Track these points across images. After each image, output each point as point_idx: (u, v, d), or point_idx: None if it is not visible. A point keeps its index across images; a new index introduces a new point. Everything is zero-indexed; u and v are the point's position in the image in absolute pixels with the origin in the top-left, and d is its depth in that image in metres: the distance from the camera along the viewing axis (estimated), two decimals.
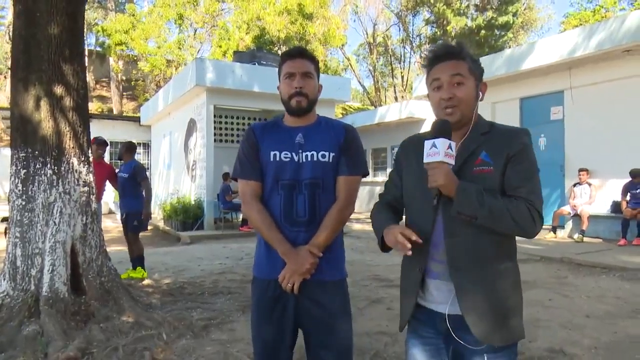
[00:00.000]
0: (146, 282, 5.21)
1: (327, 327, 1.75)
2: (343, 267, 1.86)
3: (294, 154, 1.77)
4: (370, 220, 1.70)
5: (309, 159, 1.76)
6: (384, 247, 1.52)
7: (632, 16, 7.54)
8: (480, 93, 1.51)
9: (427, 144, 1.37)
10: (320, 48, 20.76)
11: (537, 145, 9.78)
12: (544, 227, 9.24)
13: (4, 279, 3.59)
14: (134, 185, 5.84)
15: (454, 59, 1.46)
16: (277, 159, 1.77)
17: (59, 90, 3.63)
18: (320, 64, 18.39)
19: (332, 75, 18.13)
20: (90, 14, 25.28)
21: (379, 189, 16.15)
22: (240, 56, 13.53)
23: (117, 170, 6.17)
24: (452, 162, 1.37)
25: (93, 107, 26.70)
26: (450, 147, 1.36)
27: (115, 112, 25.07)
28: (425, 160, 1.37)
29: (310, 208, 1.75)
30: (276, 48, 19.65)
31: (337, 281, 1.81)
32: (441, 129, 1.39)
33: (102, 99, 28.89)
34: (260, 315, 1.79)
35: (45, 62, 3.60)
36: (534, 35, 28.53)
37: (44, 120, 3.59)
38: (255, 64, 11.97)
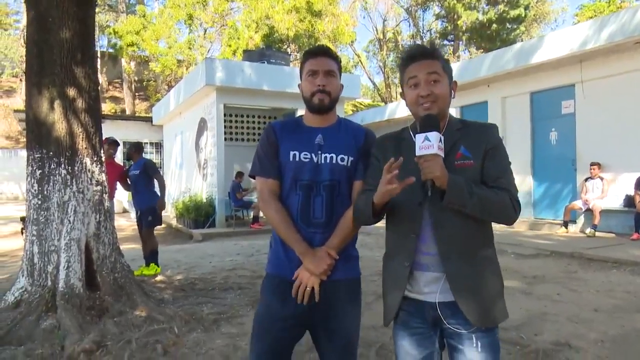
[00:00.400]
0: (159, 278, 5.33)
1: (336, 322, 1.76)
2: (357, 266, 1.86)
3: (313, 154, 1.77)
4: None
5: (328, 160, 1.77)
6: (374, 214, 1.53)
7: None
8: (452, 91, 1.59)
9: (420, 137, 1.41)
10: (330, 45, 20.79)
11: (548, 139, 9.72)
12: (553, 221, 9.20)
13: (22, 276, 3.73)
14: (146, 182, 6.00)
15: (429, 59, 1.54)
16: (297, 159, 1.76)
17: (71, 92, 3.75)
18: None
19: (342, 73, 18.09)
20: (102, 17, 25.65)
21: None
22: (249, 55, 13.62)
23: (126, 170, 6.32)
24: (443, 154, 1.42)
25: (106, 108, 27.10)
26: (440, 140, 1.42)
27: (128, 112, 25.41)
28: (418, 154, 1.40)
29: (328, 210, 1.75)
30: (285, 46, 19.72)
31: (351, 280, 1.80)
32: (431, 123, 1.44)
33: (115, 99, 29.29)
34: (272, 311, 1.77)
35: (57, 66, 3.71)
36: (548, 28, 28.23)
37: (58, 122, 3.70)
38: (264, 62, 12.05)
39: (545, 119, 9.77)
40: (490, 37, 26.23)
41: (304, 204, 1.76)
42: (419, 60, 1.54)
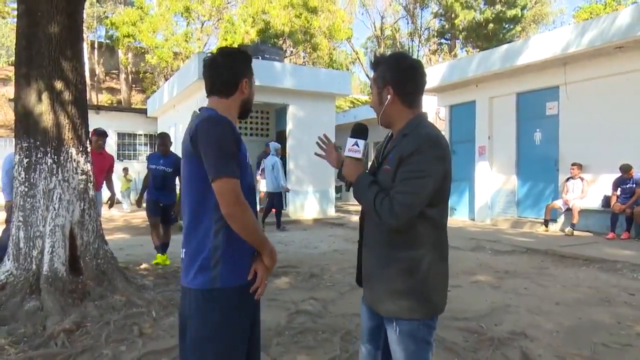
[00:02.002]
0: (143, 265, 5.51)
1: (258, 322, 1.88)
2: None
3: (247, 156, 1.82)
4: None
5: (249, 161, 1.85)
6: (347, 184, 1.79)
7: (623, 14, 7.63)
8: (388, 96, 1.71)
9: (350, 141, 1.72)
10: (325, 42, 20.90)
11: (533, 139, 9.92)
12: (536, 220, 9.41)
13: (8, 259, 3.90)
14: (175, 179, 6.10)
15: (373, 70, 1.77)
16: (248, 159, 1.77)
17: (58, 85, 3.91)
18: (325, 58, 18.35)
19: (332, 69, 18.23)
20: (100, 8, 25.65)
21: None
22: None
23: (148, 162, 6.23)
24: (357, 155, 1.69)
25: (103, 98, 27.16)
26: (356, 144, 1.69)
27: (124, 103, 25.49)
28: (347, 154, 1.72)
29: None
30: (281, 42, 19.83)
31: None
32: (354, 130, 1.74)
33: (111, 90, 29.32)
34: (246, 325, 1.73)
35: (46, 59, 3.87)
36: (546, 29, 28.38)
37: (45, 113, 3.87)
38: (259, 57, 12.18)
39: (530, 119, 9.97)
40: (487, 36, 26.40)
41: (254, 207, 1.77)
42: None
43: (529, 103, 10.02)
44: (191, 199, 1.68)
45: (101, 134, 5.81)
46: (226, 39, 18.61)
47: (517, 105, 10.22)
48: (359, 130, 1.73)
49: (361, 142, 1.68)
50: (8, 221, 5.50)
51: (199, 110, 1.79)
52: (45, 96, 3.87)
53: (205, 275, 1.64)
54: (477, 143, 11.03)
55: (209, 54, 1.85)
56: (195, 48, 20.72)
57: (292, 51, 21.93)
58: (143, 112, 18.04)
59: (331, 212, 12.48)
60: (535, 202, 9.88)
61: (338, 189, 18.48)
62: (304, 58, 24.08)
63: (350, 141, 1.69)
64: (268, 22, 18.79)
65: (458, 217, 11.68)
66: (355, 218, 11.89)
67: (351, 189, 1.72)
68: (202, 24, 22.22)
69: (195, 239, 1.66)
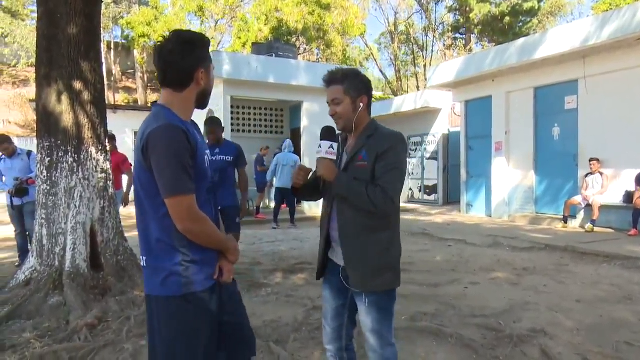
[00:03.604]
0: None
1: (240, 311, 1.85)
2: None
3: (208, 152, 1.76)
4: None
5: (216, 157, 1.86)
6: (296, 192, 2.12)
7: None
8: (361, 104, 2.00)
9: (325, 144, 1.94)
10: (339, 38, 20.84)
11: (551, 135, 9.77)
12: (554, 216, 9.28)
13: (32, 256, 4.00)
14: (234, 172, 4.80)
15: (334, 84, 2.00)
16: (206, 163, 1.68)
17: (78, 85, 3.98)
18: (339, 54, 18.27)
19: (347, 66, 18.15)
20: (115, 8, 25.96)
21: None
22: (258, 48, 13.80)
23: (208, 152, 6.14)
24: (333, 157, 1.95)
25: (119, 98, 27.52)
26: (332, 147, 1.94)
27: (140, 102, 25.79)
28: (325, 156, 1.95)
29: (215, 208, 1.86)
30: (294, 39, 19.84)
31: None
32: (325, 134, 1.98)
33: (128, 90, 29.70)
34: (209, 335, 1.66)
35: (65, 60, 3.94)
36: (563, 21, 27.84)
37: (65, 112, 3.94)
38: (272, 55, 12.23)
39: (549, 114, 9.82)
40: (503, 30, 26.02)
41: (212, 207, 1.75)
42: (329, 86, 2.02)
43: (547, 97, 9.87)
44: (143, 210, 1.62)
45: (111, 138, 5.85)
46: (239, 37, 18.69)
47: (534, 99, 10.07)
48: (331, 133, 1.98)
49: (335, 145, 1.94)
50: None
51: (151, 104, 1.72)
52: (65, 96, 3.94)
53: (177, 282, 1.59)
54: (494, 139, 10.90)
55: (160, 40, 1.68)
56: (210, 47, 20.79)
57: (305, 48, 21.92)
58: None
59: None
60: (554, 198, 9.74)
61: None
62: (317, 55, 24.05)
63: (326, 144, 1.93)
64: (281, 19, 18.81)
65: (475, 214, 11.57)
66: None
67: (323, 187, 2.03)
68: (216, 23, 22.36)
69: (157, 247, 1.60)
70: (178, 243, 1.59)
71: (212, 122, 4.69)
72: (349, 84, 1.99)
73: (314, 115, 11.98)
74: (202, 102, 1.72)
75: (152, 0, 22.61)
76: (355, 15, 20.92)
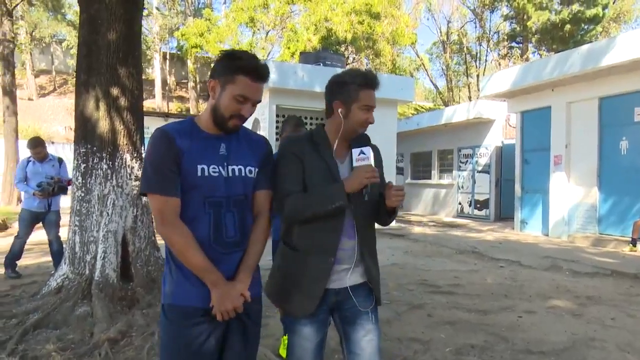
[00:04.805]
0: None
1: (246, 345, 1.68)
2: (260, 282, 1.76)
3: (221, 168, 1.60)
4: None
5: (237, 173, 1.63)
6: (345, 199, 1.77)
7: None
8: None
9: (356, 151, 1.76)
10: (388, 47, 20.48)
11: (618, 148, 8.95)
12: (621, 238, 8.45)
13: (65, 263, 3.96)
14: None
15: (377, 89, 1.85)
16: (206, 173, 1.57)
17: (115, 91, 3.93)
18: (388, 64, 17.94)
19: (395, 75, 17.75)
20: (172, 20, 26.99)
21: (443, 192, 15.64)
22: (306, 57, 13.72)
23: None
24: (369, 162, 1.76)
25: (173, 107, 28.52)
26: (362, 152, 1.77)
27: (191, 111, 26.55)
28: (356, 164, 1.75)
29: (240, 226, 1.64)
30: (343, 48, 19.69)
31: (256, 298, 1.69)
32: (364, 140, 1.85)
33: (181, 99, 30.72)
34: (182, 350, 1.57)
35: (104, 66, 3.90)
36: (628, 28, 26.09)
37: (102, 119, 3.89)
38: (320, 64, 12.10)
39: (615, 126, 9.01)
40: (562, 38, 24.69)
41: (216, 223, 1.59)
42: (375, 89, 1.83)
43: (613, 108, 9.06)
44: None
45: None
46: (289, 47, 18.79)
47: (599, 110, 9.28)
48: (362, 139, 1.84)
49: (367, 149, 1.76)
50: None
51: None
52: (102, 103, 3.90)
53: (163, 290, 1.64)
54: (553, 152, 10.16)
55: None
56: (259, 57, 21.10)
57: (354, 58, 21.73)
58: None
59: (392, 222, 12.03)
60: (621, 218, 8.88)
61: None
62: (367, 65, 23.81)
63: (355, 151, 1.77)
64: (330, 29, 18.72)
65: (530, 232, 10.82)
66: (418, 229, 11.39)
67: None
68: (267, 33, 22.65)
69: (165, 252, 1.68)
70: (168, 253, 1.63)
71: (292, 123, 3.69)
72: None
73: None
74: (214, 119, 1.61)
75: (206, 12, 23.26)
76: (406, 24, 20.51)
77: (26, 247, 5.85)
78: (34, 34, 24.95)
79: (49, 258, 5.79)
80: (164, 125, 1.59)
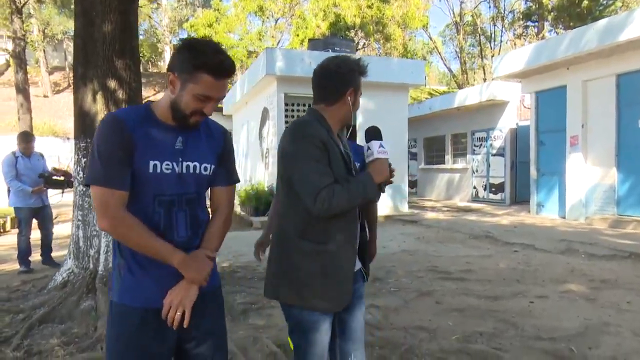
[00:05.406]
0: None
1: (208, 341, 1.59)
2: (217, 273, 1.67)
3: (175, 164, 1.49)
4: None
5: (192, 170, 1.53)
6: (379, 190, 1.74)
7: None
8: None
9: (376, 144, 1.73)
10: (399, 31, 20.13)
11: (637, 127, 8.64)
12: None
13: (70, 258, 3.97)
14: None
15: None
16: (158, 170, 1.47)
17: (112, 84, 3.89)
18: (400, 48, 17.61)
19: (404, 59, 17.42)
20: (181, 11, 26.97)
21: (458, 177, 15.41)
22: (314, 44, 13.55)
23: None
24: (386, 156, 1.75)
25: None
26: (382, 145, 1.75)
27: None
28: (378, 156, 1.72)
29: (193, 225, 1.55)
30: (352, 34, 19.41)
31: (215, 289, 1.64)
32: (372, 134, 1.78)
33: None
34: (146, 350, 1.48)
35: (100, 59, 3.86)
36: None
37: (100, 112, 3.86)
38: (329, 51, 11.92)
39: (634, 104, 8.68)
40: (580, 15, 23.90)
41: (166, 222, 1.49)
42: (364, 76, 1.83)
43: (632, 85, 8.73)
44: None
45: None
46: (297, 35, 18.60)
47: (617, 88, 8.95)
48: (377, 133, 1.79)
49: (385, 144, 1.75)
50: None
51: None
52: (99, 96, 3.87)
53: (112, 287, 1.55)
54: (569, 133, 9.87)
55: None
56: (269, 45, 21.00)
57: (364, 43, 21.43)
58: (219, 110, 18.59)
59: (404, 208, 11.91)
60: None
61: (413, 183, 17.78)
62: (378, 49, 23.45)
63: (375, 144, 1.73)
64: (339, 14, 18.46)
65: (546, 215, 10.59)
66: (432, 215, 11.25)
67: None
68: (276, 22, 22.48)
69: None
70: (118, 245, 1.52)
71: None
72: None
73: (370, 111, 11.53)
74: (173, 113, 1.49)
75: (215, 2, 23.16)
76: (417, 6, 20.09)
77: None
78: (46, 31, 25.18)
79: (64, 252, 5.87)
80: (117, 110, 1.50)
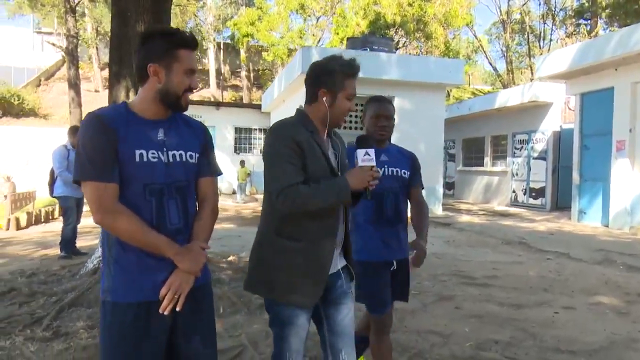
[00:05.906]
0: (231, 257, 5.60)
1: (199, 337, 1.63)
2: (208, 269, 1.69)
3: (160, 153, 1.55)
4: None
5: (178, 159, 1.58)
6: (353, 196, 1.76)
7: None
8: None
9: (361, 152, 1.76)
10: (440, 29, 19.73)
11: None
12: None
13: (100, 245, 4.18)
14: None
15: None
16: (145, 159, 1.52)
17: None
18: (441, 46, 17.26)
19: (442, 58, 17.02)
20: (226, 10, 27.53)
21: (496, 180, 14.99)
22: (353, 42, 13.52)
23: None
24: (370, 164, 1.77)
25: (227, 95, 29.27)
26: (367, 154, 1.77)
27: (244, 100, 27.11)
28: (361, 164, 1.76)
29: (184, 213, 1.59)
30: (392, 32, 19.20)
31: (205, 284, 1.66)
32: (359, 142, 1.85)
33: (235, 88, 31.47)
34: (128, 348, 1.51)
35: (134, 57, 4.03)
36: None
37: None
38: (367, 49, 11.88)
39: None
40: (637, 12, 22.62)
41: (158, 211, 1.53)
42: (356, 78, 1.82)
43: None
44: None
45: None
46: (337, 33, 18.62)
47: None
48: (364, 141, 1.84)
49: (371, 151, 1.77)
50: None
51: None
52: (132, 93, 4.04)
53: (102, 285, 1.56)
54: (615, 137, 9.40)
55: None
56: (310, 44, 21.13)
57: (405, 41, 21.16)
58: (258, 107, 18.91)
59: (438, 210, 11.72)
60: None
61: (450, 185, 17.43)
62: (420, 48, 23.11)
63: (360, 152, 1.77)
64: (379, 12, 18.32)
65: (588, 223, 10.13)
66: (466, 218, 11.02)
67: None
68: (317, 20, 22.57)
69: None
70: (107, 240, 1.55)
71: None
72: None
73: (406, 111, 11.40)
74: (165, 101, 1.57)
75: (258, 0, 23.51)
76: (460, 4, 19.62)
77: (85, 230, 6.26)
78: (98, 29, 26.37)
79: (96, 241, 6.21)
80: (96, 110, 1.55)
